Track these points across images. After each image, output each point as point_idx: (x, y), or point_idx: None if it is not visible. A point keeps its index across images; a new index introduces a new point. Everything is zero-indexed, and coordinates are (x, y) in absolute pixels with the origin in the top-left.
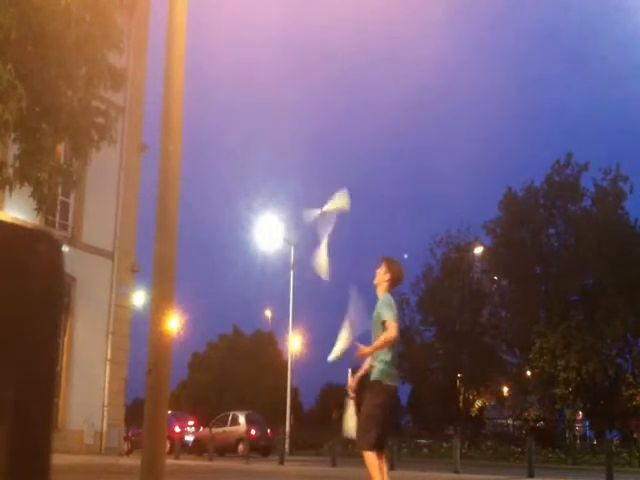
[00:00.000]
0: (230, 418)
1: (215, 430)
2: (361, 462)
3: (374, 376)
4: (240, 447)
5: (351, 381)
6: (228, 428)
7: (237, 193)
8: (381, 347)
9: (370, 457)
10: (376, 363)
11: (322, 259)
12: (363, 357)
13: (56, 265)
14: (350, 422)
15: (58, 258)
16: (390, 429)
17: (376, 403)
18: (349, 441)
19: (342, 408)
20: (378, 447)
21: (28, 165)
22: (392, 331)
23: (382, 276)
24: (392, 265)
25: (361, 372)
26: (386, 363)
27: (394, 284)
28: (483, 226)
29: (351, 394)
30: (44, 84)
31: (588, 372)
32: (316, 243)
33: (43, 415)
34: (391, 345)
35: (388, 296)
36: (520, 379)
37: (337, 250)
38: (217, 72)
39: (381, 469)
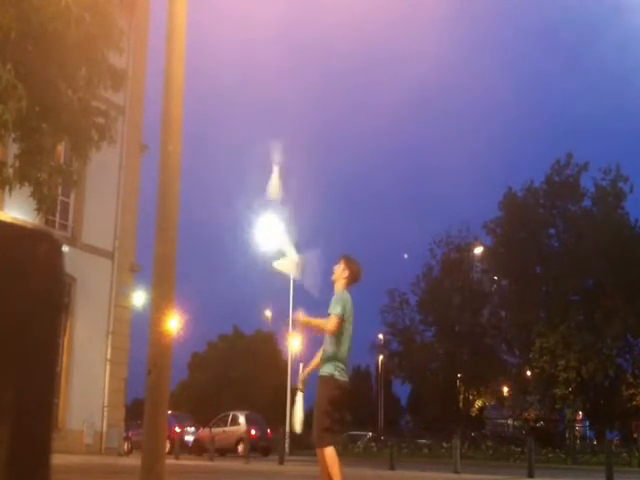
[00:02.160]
0: (230, 418)
1: (215, 430)
2: (360, 462)
3: (325, 371)
4: (240, 447)
5: (302, 375)
6: (228, 428)
7: (237, 193)
8: (315, 327)
9: (330, 453)
10: (327, 358)
11: (275, 184)
12: (297, 322)
13: (56, 265)
14: (298, 416)
15: (58, 258)
16: (338, 425)
17: (329, 398)
18: (296, 435)
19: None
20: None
21: (28, 165)
22: (330, 324)
23: (340, 273)
24: (350, 263)
25: (310, 368)
26: (337, 358)
27: (352, 281)
28: (483, 226)
29: (300, 386)
30: (44, 84)
31: (588, 372)
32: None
33: (43, 415)
34: (327, 332)
35: (344, 293)
36: (520, 379)
37: (337, 250)
38: (217, 72)
39: (323, 466)
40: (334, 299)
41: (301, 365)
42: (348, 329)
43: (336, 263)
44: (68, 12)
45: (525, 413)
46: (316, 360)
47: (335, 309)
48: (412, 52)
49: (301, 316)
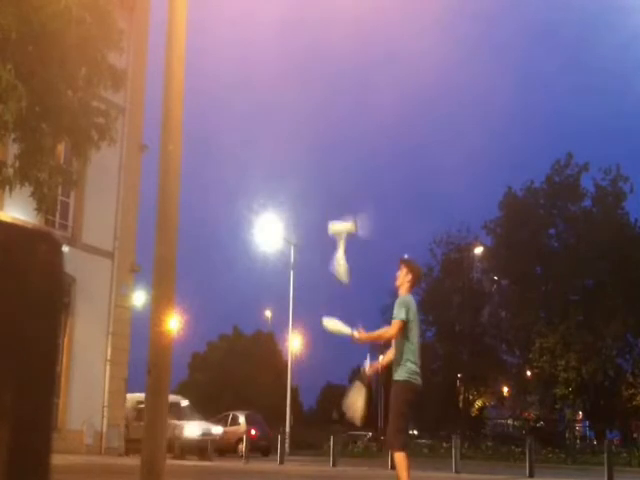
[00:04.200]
0: (230, 418)
1: None
2: (360, 462)
3: (400, 376)
4: (240, 447)
5: (369, 370)
6: (228, 428)
7: (237, 193)
8: (375, 339)
9: (400, 457)
10: (399, 362)
11: (341, 263)
12: (358, 342)
13: (56, 265)
14: (359, 402)
15: (58, 258)
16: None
17: (404, 401)
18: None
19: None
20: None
21: (28, 165)
22: (391, 329)
23: (404, 277)
24: (412, 265)
25: (378, 364)
26: (409, 361)
27: (415, 283)
28: (483, 226)
29: (363, 377)
30: (44, 84)
31: (588, 372)
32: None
33: (43, 415)
34: (385, 340)
35: (407, 296)
36: (520, 379)
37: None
38: (217, 72)
39: (408, 467)
40: (398, 303)
41: (367, 363)
42: (414, 330)
43: (398, 269)
44: (68, 12)
45: (525, 413)
46: (387, 358)
47: (399, 314)
48: (412, 52)
49: (361, 335)
